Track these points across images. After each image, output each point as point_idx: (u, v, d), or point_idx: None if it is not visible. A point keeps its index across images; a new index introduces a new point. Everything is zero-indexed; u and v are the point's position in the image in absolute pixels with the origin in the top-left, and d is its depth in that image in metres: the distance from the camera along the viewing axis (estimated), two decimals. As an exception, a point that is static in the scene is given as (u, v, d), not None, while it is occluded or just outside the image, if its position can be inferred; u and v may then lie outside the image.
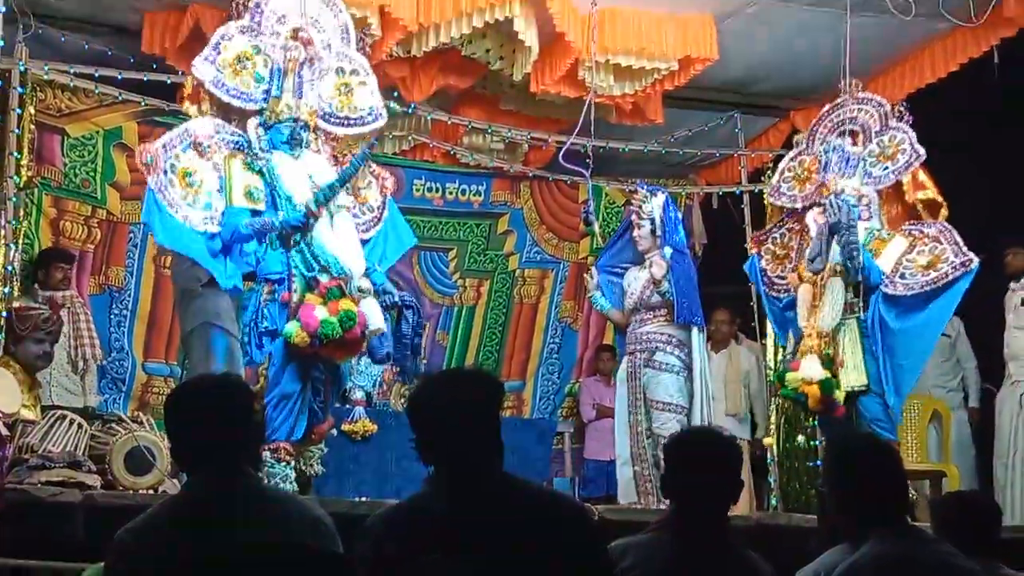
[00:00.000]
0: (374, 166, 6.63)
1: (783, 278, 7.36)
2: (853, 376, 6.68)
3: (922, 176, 7.12)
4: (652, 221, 7.08)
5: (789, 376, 6.68)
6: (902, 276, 6.90)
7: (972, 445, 8.68)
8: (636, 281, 7.13)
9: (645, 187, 7.26)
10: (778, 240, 7.47)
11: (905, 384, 6.92)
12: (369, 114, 6.38)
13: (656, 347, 7.00)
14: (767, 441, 8.13)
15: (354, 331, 5.69)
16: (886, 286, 6.87)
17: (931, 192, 7.10)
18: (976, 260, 6.82)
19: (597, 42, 7.54)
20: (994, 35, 7.87)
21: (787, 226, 7.49)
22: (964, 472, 8.23)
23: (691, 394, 6.98)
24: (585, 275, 7.79)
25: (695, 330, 7.03)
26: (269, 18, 6.15)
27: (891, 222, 7.17)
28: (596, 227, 7.33)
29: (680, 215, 7.52)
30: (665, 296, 6.94)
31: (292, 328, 5.65)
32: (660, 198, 7.15)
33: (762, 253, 7.47)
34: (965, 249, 6.85)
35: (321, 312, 5.66)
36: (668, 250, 6.99)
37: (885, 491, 3.33)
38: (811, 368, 6.66)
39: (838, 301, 6.74)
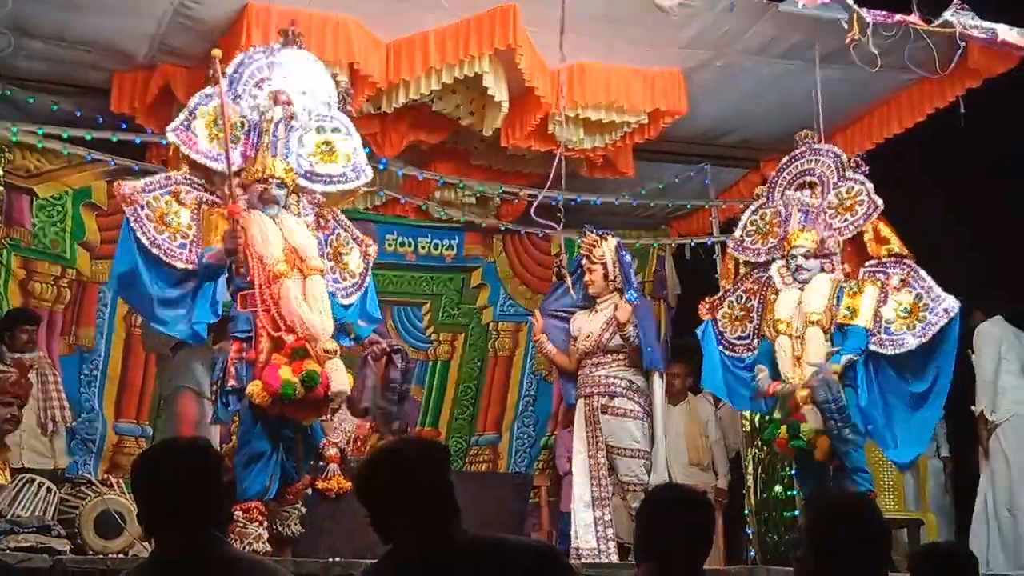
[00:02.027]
0: (357, 232, 6.63)
1: (745, 338, 7.35)
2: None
3: (884, 230, 7.15)
4: (604, 265, 7.10)
5: (804, 428, 6.64)
6: (887, 331, 6.89)
7: (947, 493, 8.67)
8: (589, 324, 7.13)
9: (595, 231, 7.26)
10: (735, 303, 7.44)
11: (924, 437, 7.01)
12: (353, 171, 6.38)
13: (616, 392, 7.02)
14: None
15: (317, 391, 5.67)
16: (876, 345, 6.86)
17: (895, 245, 7.12)
18: (956, 304, 6.83)
19: (567, 97, 7.58)
20: (960, 86, 7.96)
21: (743, 287, 7.45)
22: (940, 520, 8.23)
23: (652, 440, 6.98)
24: (531, 319, 7.80)
25: (656, 376, 7.04)
26: (247, 83, 6.18)
27: (852, 271, 7.18)
28: (569, 281, 7.32)
29: (632, 260, 7.52)
30: (629, 340, 6.93)
31: (253, 388, 5.63)
32: (611, 242, 7.17)
33: (717, 318, 7.43)
34: (940, 292, 6.87)
35: (284, 372, 5.63)
36: (634, 294, 7.03)
37: (866, 546, 3.31)
38: (816, 418, 6.67)
39: (820, 352, 6.76)
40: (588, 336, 7.10)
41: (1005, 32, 7.45)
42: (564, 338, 7.32)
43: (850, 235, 7.15)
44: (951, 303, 6.81)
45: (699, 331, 7.49)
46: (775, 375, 6.94)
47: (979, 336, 7.98)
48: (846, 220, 7.11)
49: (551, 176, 7.40)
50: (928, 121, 8.35)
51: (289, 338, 5.77)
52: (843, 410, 6.53)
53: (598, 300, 7.16)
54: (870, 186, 7.09)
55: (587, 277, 7.17)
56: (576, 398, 7.24)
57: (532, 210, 7.38)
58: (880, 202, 7.05)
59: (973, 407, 8.03)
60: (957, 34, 7.38)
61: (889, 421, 6.81)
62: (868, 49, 7.18)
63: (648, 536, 3.36)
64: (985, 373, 7.93)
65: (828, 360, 6.70)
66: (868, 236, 7.14)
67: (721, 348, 7.36)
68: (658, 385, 7.08)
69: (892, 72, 7.78)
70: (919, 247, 7.24)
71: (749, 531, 8.55)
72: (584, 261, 7.21)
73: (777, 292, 7.08)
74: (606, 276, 7.11)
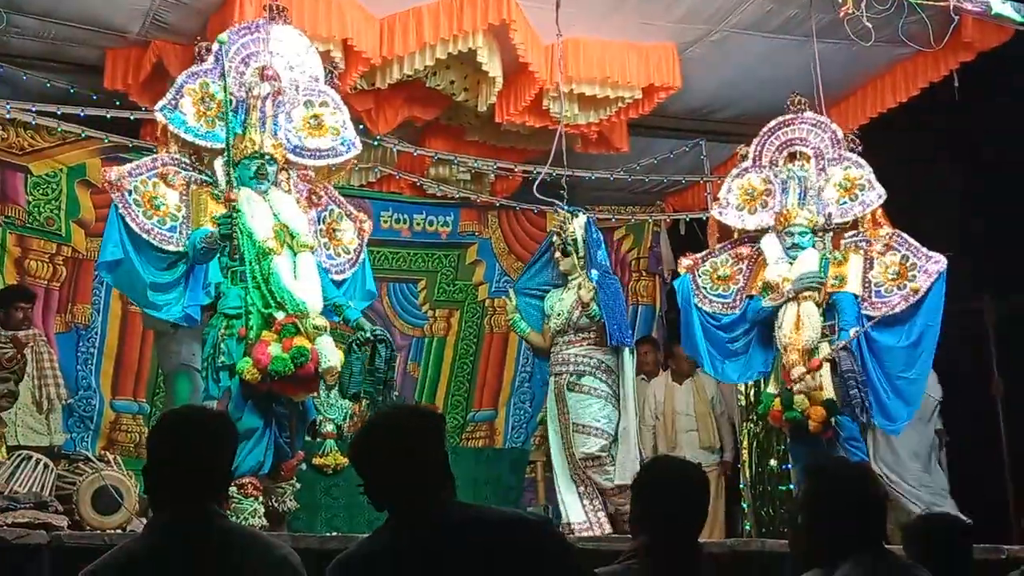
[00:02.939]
0: (351, 208, 6.61)
1: (725, 297, 7.31)
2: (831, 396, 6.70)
3: (881, 217, 7.14)
4: (574, 242, 7.06)
5: (797, 399, 6.67)
6: (877, 294, 6.92)
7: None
8: (561, 303, 7.09)
9: (565, 208, 7.23)
10: (719, 264, 7.39)
11: (914, 396, 6.96)
12: (342, 144, 6.36)
13: (584, 371, 6.98)
14: None
15: (307, 368, 5.66)
16: (866, 309, 6.88)
17: (888, 230, 7.13)
18: (944, 260, 6.85)
19: (562, 72, 7.57)
20: (953, 59, 7.97)
21: (733, 251, 7.41)
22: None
23: (618, 420, 6.93)
24: (504, 297, 7.76)
25: (626, 352, 7.01)
26: (233, 59, 6.14)
27: (835, 242, 7.18)
28: (574, 258, 7.30)
29: (602, 236, 7.46)
30: (594, 318, 6.92)
31: (244, 364, 5.62)
32: (581, 219, 7.11)
33: (698, 274, 7.37)
34: (927, 251, 6.90)
35: (274, 349, 5.63)
36: (595, 272, 6.97)
37: (862, 516, 3.32)
38: (828, 382, 6.69)
39: (816, 325, 6.77)
40: (559, 315, 7.07)
41: (998, 5, 7.43)
42: (539, 316, 7.29)
43: (850, 219, 7.13)
44: (939, 259, 6.83)
45: (676, 284, 7.48)
46: (768, 335, 6.97)
47: None
48: (845, 203, 7.09)
49: (552, 152, 7.37)
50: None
51: (279, 315, 5.76)
52: (864, 383, 6.61)
53: (569, 278, 7.14)
54: (870, 170, 7.06)
55: (557, 254, 7.13)
56: (549, 376, 7.22)
57: (535, 187, 7.34)
58: (883, 191, 7.02)
59: None
60: (951, 7, 7.37)
61: (881, 389, 6.83)
62: (862, 23, 7.17)
63: (643, 509, 3.37)
64: None
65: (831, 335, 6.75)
66: (866, 220, 7.12)
67: (697, 303, 7.31)
68: (628, 361, 7.02)
69: (886, 46, 7.78)
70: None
71: (744, 505, 8.59)
72: (555, 238, 7.16)
73: (766, 265, 7.09)
74: (576, 253, 7.07)
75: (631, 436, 6.93)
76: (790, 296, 6.84)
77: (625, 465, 6.80)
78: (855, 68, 8.25)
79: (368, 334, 6.02)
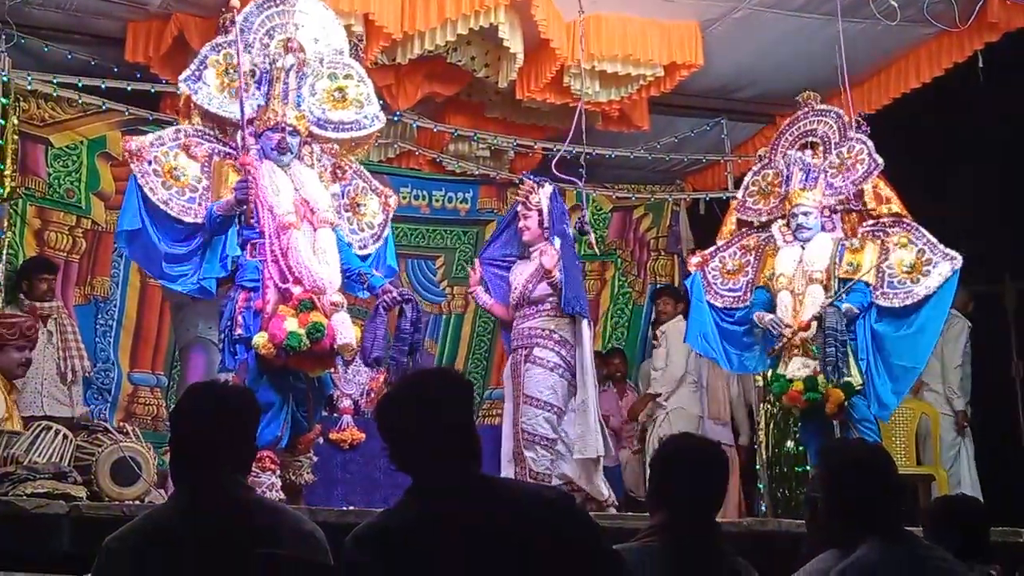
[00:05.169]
0: (377, 183, 6.58)
1: (736, 290, 7.30)
2: (848, 378, 6.69)
3: (885, 190, 7.11)
4: (540, 212, 6.96)
5: (820, 380, 6.67)
6: (891, 285, 6.89)
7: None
8: (520, 275, 7.00)
9: (531, 178, 7.14)
10: (727, 259, 7.38)
11: (906, 384, 6.96)
12: (365, 117, 6.31)
13: (537, 342, 6.86)
14: None
15: (323, 344, 5.63)
16: (877, 298, 6.86)
17: (895, 205, 7.08)
18: (960, 258, 6.81)
19: (583, 49, 7.54)
20: (979, 39, 7.91)
21: (740, 243, 7.40)
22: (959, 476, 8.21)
23: (567, 393, 6.83)
24: (469, 268, 7.65)
25: (584, 323, 6.88)
26: (258, 31, 6.12)
27: (851, 229, 7.15)
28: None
29: (567, 207, 7.38)
30: (556, 287, 6.79)
31: (259, 339, 5.61)
32: (547, 189, 6.99)
33: (708, 270, 7.37)
34: (943, 248, 6.85)
35: (290, 324, 5.60)
36: (557, 240, 6.87)
37: (880, 497, 3.31)
38: (797, 370, 6.71)
39: (817, 303, 6.75)
40: (516, 287, 6.98)
41: (1025, -14, 7.38)
42: (506, 288, 7.15)
43: (850, 193, 7.10)
44: (955, 257, 6.80)
45: (687, 282, 7.48)
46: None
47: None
48: (846, 178, 7.09)
49: (572, 130, 7.33)
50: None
51: (296, 290, 5.74)
52: (844, 343, 6.60)
53: (531, 249, 7.04)
54: (871, 145, 7.04)
55: (521, 223, 7.01)
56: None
57: (553, 165, 7.30)
58: (880, 160, 7.00)
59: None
60: (978, -14, 7.32)
61: (876, 375, 6.81)
62: (887, 2, 7.12)
63: (661, 486, 3.36)
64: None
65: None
66: (869, 195, 7.10)
67: (709, 299, 7.30)
68: (586, 333, 6.89)
69: (911, 26, 7.73)
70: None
71: (761, 485, 8.57)
72: (520, 208, 7.05)
73: (778, 249, 7.07)
74: (541, 223, 6.97)
75: (591, 410, 6.78)
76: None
77: (586, 439, 6.71)
78: (878, 48, 8.18)
79: (395, 294, 5.98)
